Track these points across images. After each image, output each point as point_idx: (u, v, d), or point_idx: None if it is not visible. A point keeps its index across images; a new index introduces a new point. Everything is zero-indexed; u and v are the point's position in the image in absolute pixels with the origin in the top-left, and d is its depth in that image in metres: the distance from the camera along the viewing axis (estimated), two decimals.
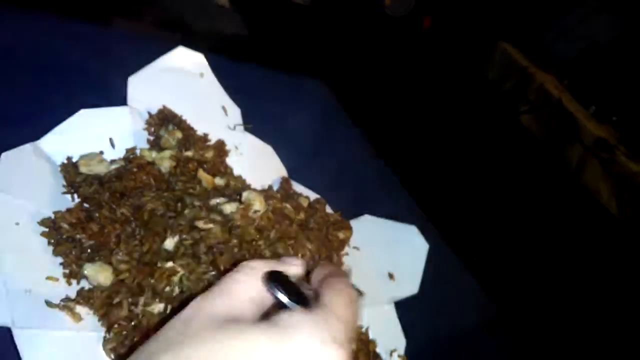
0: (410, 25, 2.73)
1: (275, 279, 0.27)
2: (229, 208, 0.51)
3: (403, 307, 0.66)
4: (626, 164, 1.80)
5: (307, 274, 0.32)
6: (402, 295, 0.67)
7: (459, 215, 1.27)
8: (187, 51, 0.68)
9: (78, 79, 0.65)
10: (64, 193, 0.50)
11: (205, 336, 0.23)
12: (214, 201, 0.51)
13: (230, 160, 0.66)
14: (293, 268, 0.30)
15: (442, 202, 1.16)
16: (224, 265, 0.47)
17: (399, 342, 0.61)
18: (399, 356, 0.60)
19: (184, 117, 0.63)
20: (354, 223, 0.70)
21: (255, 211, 0.52)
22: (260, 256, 0.50)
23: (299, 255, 0.53)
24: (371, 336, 0.59)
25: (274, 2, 2.42)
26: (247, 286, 0.27)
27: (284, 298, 0.27)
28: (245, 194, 0.53)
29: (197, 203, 0.51)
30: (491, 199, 1.83)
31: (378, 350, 0.58)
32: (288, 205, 0.57)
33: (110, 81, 0.66)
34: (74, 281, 0.43)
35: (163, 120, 0.61)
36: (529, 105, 2.08)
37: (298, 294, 0.27)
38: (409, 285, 0.68)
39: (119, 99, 0.63)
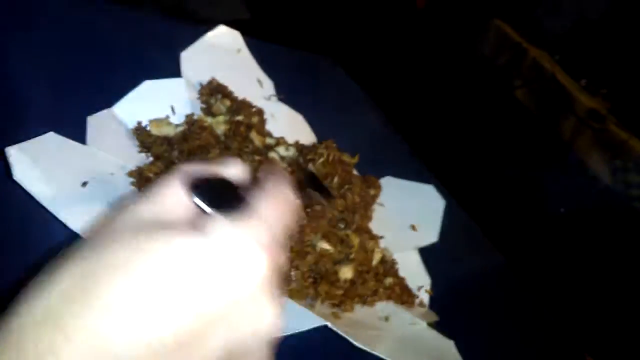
0: (405, 3, 2.79)
1: (202, 186, 0.25)
2: (289, 153, 0.59)
3: (426, 253, 0.75)
4: (617, 133, 1.90)
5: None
6: (424, 243, 0.76)
7: (464, 179, 1.35)
8: (226, 29, 0.76)
9: (136, 56, 0.72)
10: (140, 152, 0.58)
11: (127, 240, 0.22)
12: (272, 153, 0.59)
13: (268, 127, 0.74)
14: (232, 170, 0.28)
15: (448, 166, 1.24)
16: None
17: (425, 281, 0.70)
18: (425, 291, 0.69)
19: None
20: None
21: (314, 157, 0.60)
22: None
23: (348, 202, 0.61)
24: (401, 274, 0.68)
25: None
26: (176, 190, 0.25)
27: (204, 206, 0.25)
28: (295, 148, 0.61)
29: (257, 157, 0.59)
30: (491, 166, 1.92)
31: (409, 286, 0.67)
32: (344, 155, 0.65)
33: (156, 58, 0.74)
34: None
35: (213, 90, 0.69)
36: (523, 80, 2.17)
37: (226, 201, 0.25)
38: (430, 234, 0.77)
39: (169, 71, 0.70)
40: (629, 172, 1.84)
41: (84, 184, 0.48)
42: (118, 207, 0.24)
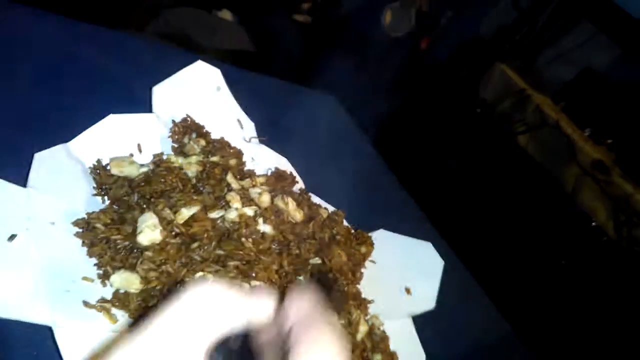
0: (409, 45, 2.78)
1: (222, 347, 0.22)
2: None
3: (421, 322, 0.66)
4: (622, 186, 1.83)
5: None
6: (419, 310, 0.67)
7: (464, 231, 1.28)
8: (205, 65, 0.69)
9: (104, 84, 0.65)
10: (95, 195, 0.50)
11: None
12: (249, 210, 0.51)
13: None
14: (260, 311, 0.24)
15: (447, 215, 1.16)
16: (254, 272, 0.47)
17: (420, 357, 0.61)
18: None
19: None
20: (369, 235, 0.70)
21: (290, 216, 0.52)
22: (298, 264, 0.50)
23: (333, 265, 0.53)
24: (392, 348, 0.59)
25: (275, 18, 2.45)
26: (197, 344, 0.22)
27: None
28: (278, 199, 0.53)
29: (234, 205, 0.51)
30: (491, 217, 1.84)
31: None
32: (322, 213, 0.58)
33: (134, 87, 0.67)
34: (108, 282, 0.43)
35: (187, 129, 0.62)
36: (527, 126, 2.11)
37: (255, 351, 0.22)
38: (426, 300, 0.68)
39: (143, 104, 0.63)
40: (635, 228, 1.76)
41: (12, 237, 0.39)
42: None
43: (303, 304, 0.24)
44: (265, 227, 0.51)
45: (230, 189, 0.55)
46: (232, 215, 0.50)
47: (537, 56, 2.56)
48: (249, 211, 0.51)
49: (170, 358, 0.21)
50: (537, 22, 2.63)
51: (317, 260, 0.52)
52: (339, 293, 0.51)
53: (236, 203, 0.53)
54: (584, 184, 1.93)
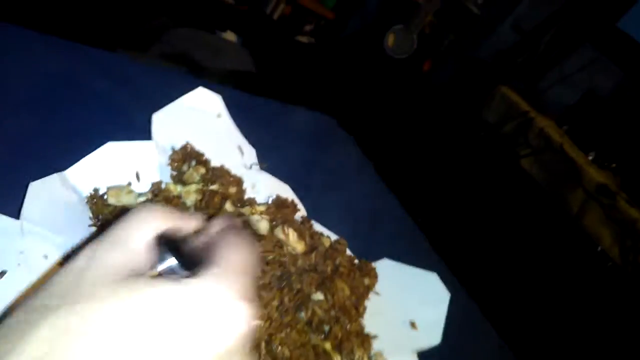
0: (412, 67, 2.79)
1: (167, 238, 0.27)
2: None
3: (425, 358, 0.63)
4: (627, 210, 1.81)
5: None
6: (425, 345, 0.64)
7: (468, 257, 1.26)
8: (206, 92, 0.68)
9: (102, 109, 0.64)
10: (91, 225, 0.48)
11: (104, 292, 0.22)
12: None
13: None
14: (192, 222, 0.29)
15: (451, 241, 1.14)
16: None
17: None
18: None
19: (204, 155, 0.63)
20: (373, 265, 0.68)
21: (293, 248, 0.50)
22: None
23: (336, 301, 0.51)
24: None
25: (280, 39, 2.46)
26: (142, 236, 0.26)
27: (171, 262, 0.26)
28: (278, 230, 0.51)
29: None
30: (495, 242, 1.82)
31: None
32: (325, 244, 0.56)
33: (133, 112, 0.66)
34: None
35: (186, 156, 0.61)
36: (530, 149, 2.10)
37: (188, 257, 0.26)
38: (431, 335, 0.66)
39: (142, 130, 0.62)
40: None
41: (2, 273, 0.38)
42: (89, 251, 0.24)
43: (222, 220, 0.30)
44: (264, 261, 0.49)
45: None
46: None
47: (540, 79, 2.56)
48: None
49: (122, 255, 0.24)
50: (539, 45, 2.64)
51: (319, 296, 0.50)
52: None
53: None
54: (589, 208, 1.91)
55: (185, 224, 0.29)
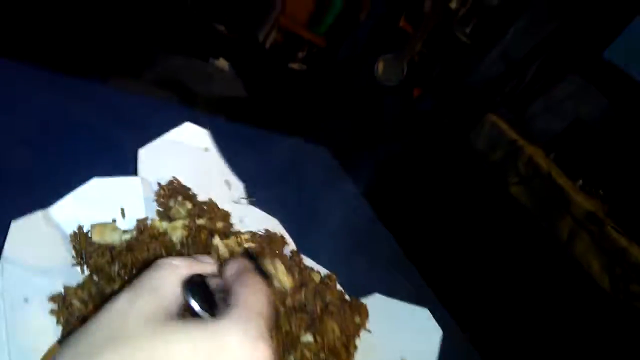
0: (401, 94, 2.82)
1: (192, 284, 0.30)
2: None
3: None
4: (616, 238, 1.82)
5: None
6: None
7: (458, 285, 1.25)
8: (193, 126, 0.68)
9: (89, 141, 0.64)
10: (74, 265, 0.47)
11: (146, 334, 0.25)
12: None
13: None
14: (208, 267, 0.34)
15: (441, 271, 1.14)
16: None
17: None
18: None
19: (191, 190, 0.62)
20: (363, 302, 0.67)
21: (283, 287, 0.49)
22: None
23: (326, 343, 0.50)
24: None
25: (272, 66, 2.49)
26: (171, 284, 0.30)
27: (196, 307, 0.29)
28: (267, 263, 0.51)
29: None
30: (484, 269, 1.82)
31: None
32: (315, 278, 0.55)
33: (121, 143, 0.65)
34: None
35: (173, 192, 0.60)
36: (519, 177, 2.12)
37: (210, 299, 0.30)
38: None
39: (131, 162, 0.61)
40: (632, 282, 1.74)
41: None
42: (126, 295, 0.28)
43: (236, 264, 0.34)
44: None
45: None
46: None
47: (527, 107, 2.60)
48: None
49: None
50: (526, 74, 2.69)
51: (308, 337, 0.49)
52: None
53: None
54: (578, 236, 1.92)
55: (203, 269, 0.33)
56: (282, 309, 0.51)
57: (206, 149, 0.68)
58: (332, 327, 0.52)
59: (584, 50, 2.47)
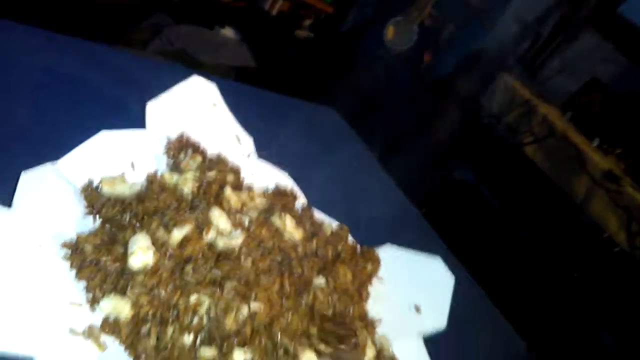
0: (412, 59, 2.77)
1: None
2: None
3: (432, 342, 0.62)
4: (634, 196, 1.79)
5: None
6: (430, 329, 0.63)
7: (472, 244, 1.25)
8: (201, 80, 0.67)
9: (96, 101, 0.64)
10: (87, 215, 0.48)
11: None
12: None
13: None
14: None
15: (455, 229, 1.13)
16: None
17: None
18: None
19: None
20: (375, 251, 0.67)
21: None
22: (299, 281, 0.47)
23: (338, 286, 0.50)
24: None
25: (278, 34, 2.45)
26: None
27: None
28: (275, 217, 0.51)
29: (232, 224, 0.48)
30: (500, 230, 1.81)
31: None
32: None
33: (127, 104, 0.65)
34: (97, 307, 0.40)
35: (182, 146, 0.60)
36: (534, 137, 2.08)
37: None
38: (436, 318, 0.65)
39: (137, 121, 0.61)
40: None
41: None
42: None
43: None
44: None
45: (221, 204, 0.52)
46: (221, 243, 0.48)
47: (542, 67, 2.54)
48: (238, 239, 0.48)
49: None
50: (541, 33, 2.61)
51: (321, 280, 0.49)
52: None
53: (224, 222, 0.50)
54: (594, 195, 1.89)
55: None
56: (294, 255, 0.51)
57: (214, 104, 0.67)
58: (344, 271, 0.52)
59: (599, 6, 2.39)
